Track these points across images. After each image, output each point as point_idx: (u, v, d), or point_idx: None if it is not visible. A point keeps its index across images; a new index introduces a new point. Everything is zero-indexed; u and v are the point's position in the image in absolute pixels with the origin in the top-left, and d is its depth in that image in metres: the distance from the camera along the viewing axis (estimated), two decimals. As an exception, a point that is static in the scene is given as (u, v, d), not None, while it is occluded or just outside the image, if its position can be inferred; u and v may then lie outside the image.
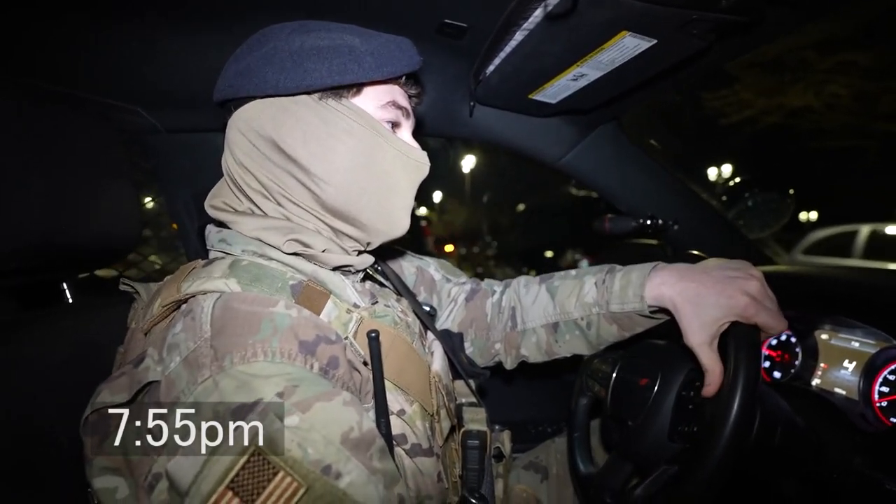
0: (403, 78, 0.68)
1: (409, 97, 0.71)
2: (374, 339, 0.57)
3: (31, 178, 0.66)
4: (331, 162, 0.62)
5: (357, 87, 0.64)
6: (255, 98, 0.62)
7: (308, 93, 0.62)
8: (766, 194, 1.32)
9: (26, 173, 0.65)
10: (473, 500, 0.61)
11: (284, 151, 0.61)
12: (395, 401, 0.61)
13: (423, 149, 0.70)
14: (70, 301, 0.86)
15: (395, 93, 0.67)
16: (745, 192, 1.35)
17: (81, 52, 0.87)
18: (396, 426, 0.60)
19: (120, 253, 0.90)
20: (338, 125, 0.62)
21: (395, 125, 0.68)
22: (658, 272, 0.74)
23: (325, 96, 0.62)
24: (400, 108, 0.67)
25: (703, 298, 0.67)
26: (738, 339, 0.64)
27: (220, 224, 0.67)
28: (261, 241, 0.63)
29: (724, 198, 1.39)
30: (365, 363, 0.60)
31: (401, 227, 0.69)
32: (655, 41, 0.70)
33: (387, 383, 0.60)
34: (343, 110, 0.62)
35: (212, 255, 0.67)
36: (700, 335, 0.66)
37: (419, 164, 0.68)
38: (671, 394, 0.74)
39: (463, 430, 0.76)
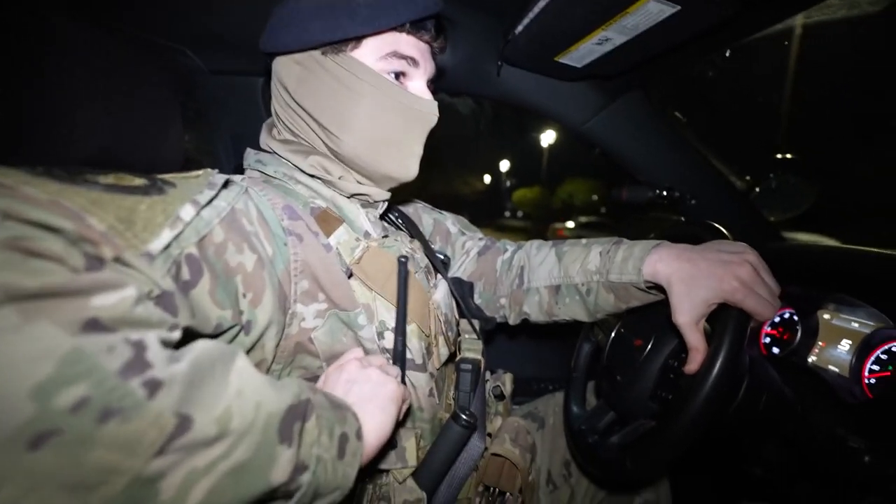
0: (408, 25, 0.66)
1: (429, 44, 0.70)
2: (403, 264, 0.62)
3: (84, 103, 0.72)
4: (339, 115, 0.65)
5: (356, 40, 0.65)
6: (279, 54, 0.68)
7: (314, 48, 0.65)
8: (791, 176, 1.31)
9: (79, 99, 0.72)
10: (464, 416, 0.67)
11: (300, 105, 0.67)
12: (391, 318, 0.67)
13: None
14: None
15: (398, 42, 0.66)
16: (771, 172, 1.34)
17: None
18: (390, 341, 0.66)
19: None
20: (340, 80, 0.64)
21: (400, 75, 0.68)
22: (658, 249, 0.75)
23: (326, 51, 0.65)
24: (404, 57, 0.66)
25: (695, 280, 0.68)
26: (722, 322, 0.66)
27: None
28: (290, 163, 0.69)
29: (747, 177, 1.38)
30: (350, 275, 0.66)
31: (409, 174, 0.72)
32: (679, 7, 0.71)
33: (384, 302, 0.66)
34: (344, 64, 0.64)
35: (248, 174, 0.73)
36: (687, 315, 0.68)
37: (424, 113, 0.69)
38: (659, 359, 0.78)
39: (459, 357, 0.83)
